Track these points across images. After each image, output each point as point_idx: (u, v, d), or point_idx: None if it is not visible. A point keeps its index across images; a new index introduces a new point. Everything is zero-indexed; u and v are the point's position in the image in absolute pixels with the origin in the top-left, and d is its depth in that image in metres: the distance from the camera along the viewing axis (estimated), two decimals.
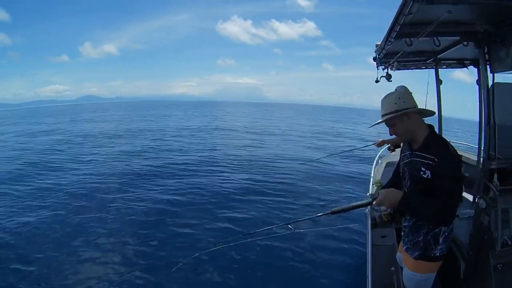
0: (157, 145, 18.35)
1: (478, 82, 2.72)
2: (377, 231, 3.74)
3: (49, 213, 7.55)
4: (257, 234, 2.86)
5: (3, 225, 6.91)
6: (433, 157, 2.01)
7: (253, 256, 5.32)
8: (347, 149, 10.91)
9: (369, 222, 3.92)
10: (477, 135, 3.18)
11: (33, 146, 18.81)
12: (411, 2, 1.79)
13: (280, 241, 5.60)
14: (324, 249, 5.68)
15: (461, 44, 2.76)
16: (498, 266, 2.23)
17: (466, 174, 3.79)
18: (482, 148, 2.79)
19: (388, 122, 2.20)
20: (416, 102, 2.22)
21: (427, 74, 4.60)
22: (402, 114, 2.11)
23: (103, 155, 15.52)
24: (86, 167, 12.77)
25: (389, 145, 5.10)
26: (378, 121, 2.27)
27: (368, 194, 5.38)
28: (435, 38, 2.69)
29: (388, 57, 3.78)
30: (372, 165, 6.78)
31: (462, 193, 2.18)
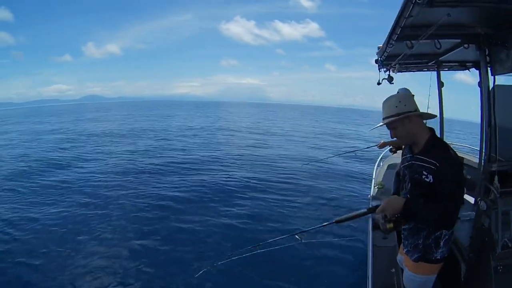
0: (160, 145, 18.45)
1: (479, 84, 2.72)
2: (378, 232, 3.74)
3: (54, 210, 7.66)
4: (267, 245, 2.87)
5: (10, 220, 7.04)
6: (434, 162, 2.00)
7: (262, 267, 5.24)
8: (350, 150, 10.94)
9: (370, 224, 3.93)
10: (478, 137, 3.18)
11: (38, 145, 18.97)
12: (412, 5, 1.80)
13: (288, 250, 5.63)
14: (325, 250, 5.69)
15: (462, 47, 2.77)
16: (499, 268, 2.23)
17: (468, 177, 3.79)
18: (484, 150, 2.78)
19: (389, 125, 2.19)
20: (418, 104, 2.22)
21: (429, 77, 4.61)
22: (403, 118, 2.11)
23: (107, 153, 15.65)
24: (90, 165, 12.89)
25: (390, 146, 5.10)
26: (379, 124, 2.28)
27: (369, 195, 5.41)
28: (436, 40, 2.69)
29: (390, 59, 3.79)
30: (374, 166, 6.79)
31: (463, 197, 2.18)
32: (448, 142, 2.31)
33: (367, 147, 7.49)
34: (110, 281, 4.80)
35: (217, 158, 14.63)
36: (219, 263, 3.10)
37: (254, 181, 10.34)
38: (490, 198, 2.40)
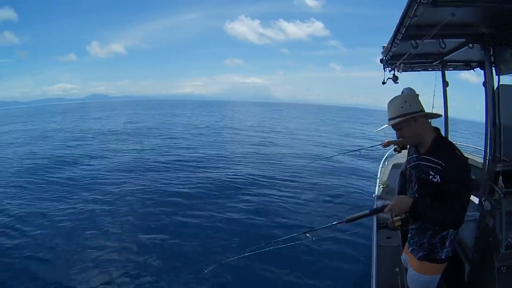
0: (166, 143, 18.53)
1: (484, 84, 2.71)
2: (383, 232, 3.74)
3: (61, 206, 7.79)
4: (278, 242, 2.88)
5: (18, 216, 7.17)
6: (440, 162, 2.00)
7: (273, 264, 5.26)
8: (355, 148, 10.96)
9: (375, 223, 3.92)
10: (483, 136, 3.17)
11: (44, 143, 19.13)
12: (416, 4, 1.81)
13: (297, 247, 5.67)
14: (332, 248, 5.71)
15: (467, 46, 2.76)
16: (502, 268, 2.23)
17: (473, 177, 3.77)
18: (488, 150, 2.78)
19: (395, 126, 2.18)
20: (423, 103, 2.21)
21: (434, 76, 4.60)
22: (409, 118, 2.10)
23: (114, 151, 15.77)
24: (97, 163, 13.03)
25: (395, 146, 5.09)
26: (385, 125, 2.27)
27: (374, 195, 5.40)
28: (440, 40, 2.68)
29: (395, 59, 3.78)
30: (379, 165, 6.78)
31: (470, 197, 2.18)
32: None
33: (372, 146, 7.49)
34: (118, 274, 4.89)
35: (223, 156, 14.71)
36: (230, 259, 3.12)
37: (261, 179, 10.41)
38: (494, 198, 2.40)
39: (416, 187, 2.24)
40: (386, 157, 7.23)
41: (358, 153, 8.65)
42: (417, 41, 2.62)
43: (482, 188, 2.78)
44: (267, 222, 6.82)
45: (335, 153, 11.01)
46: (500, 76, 2.62)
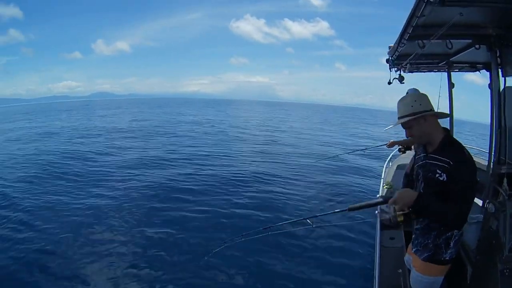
0: (172, 141, 18.56)
1: (490, 86, 2.69)
2: (386, 232, 3.74)
3: (68, 200, 7.89)
4: (277, 227, 2.88)
5: (27, 209, 7.27)
6: (448, 160, 2.00)
7: (271, 250, 5.39)
8: (360, 148, 10.99)
9: (379, 224, 3.92)
10: (488, 138, 3.16)
11: (50, 140, 19.28)
12: (424, 4, 1.80)
13: (298, 234, 5.69)
14: (333, 247, 5.70)
15: (473, 47, 2.74)
16: (505, 271, 2.22)
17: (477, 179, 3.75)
18: (493, 153, 2.76)
19: (404, 125, 2.19)
20: None
21: (440, 77, 4.58)
22: (419, 117, 2.10)
23: (120, 148, 15.89)
24: (103, 159, 13.12)
25: (399, 146, 5.09)
26: (393, 125, 2.28)
27: (378, 195, 5.39)
28: (447, 40, 2.68)
29: (401, 59, 3.77)
30: (383, 165, 6.78)
31: (474, 198, 2.18)
32: None
33: (376, 146, 7.48)
34: (125, 265, 4.99)
35: (228, 154, 14.78)
36: (229, 244, 3.16)
37: (266, 177, 10.47)
38: (498, 200, 2.38)
39: (423, 185, 2.24)
40: (391, 158, 7.22)
41: (363, 152, 8.67)
42: (424, 41, 2.62)
43: (486, 190, 2.77)
44: (271, 217, 6.88)
45: (340, 152, 11.04)
46: (506, 78, 2.61)
